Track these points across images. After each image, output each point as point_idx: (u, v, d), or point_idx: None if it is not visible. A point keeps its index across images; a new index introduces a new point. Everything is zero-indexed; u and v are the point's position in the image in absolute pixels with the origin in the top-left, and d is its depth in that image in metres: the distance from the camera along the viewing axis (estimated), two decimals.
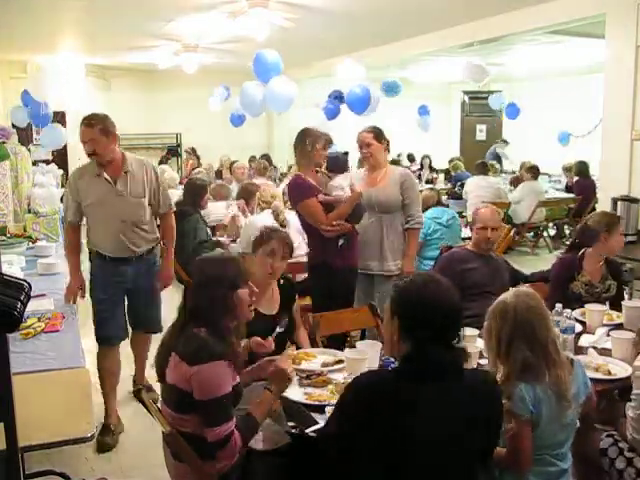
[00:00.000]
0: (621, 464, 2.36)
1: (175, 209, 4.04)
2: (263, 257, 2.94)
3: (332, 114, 7.88)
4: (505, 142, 12.08)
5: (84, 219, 3.63)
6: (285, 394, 2.42)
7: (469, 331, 2.89)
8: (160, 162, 11.55)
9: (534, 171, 8.96)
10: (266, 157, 10.34)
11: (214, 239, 5.93)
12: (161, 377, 2.22)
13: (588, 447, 2.46)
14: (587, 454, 2.46)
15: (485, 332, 2.21)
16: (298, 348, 2.91)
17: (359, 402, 1.80)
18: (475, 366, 2.58)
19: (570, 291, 3.45)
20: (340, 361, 2.71)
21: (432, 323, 1.80)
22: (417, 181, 4.70)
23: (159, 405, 2.26)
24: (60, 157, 9.74)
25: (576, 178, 9.33)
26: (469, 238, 6.17)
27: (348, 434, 1.82)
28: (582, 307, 3.28)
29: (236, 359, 2.18)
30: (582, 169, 9.15)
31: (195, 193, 5.91)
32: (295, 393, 2.45)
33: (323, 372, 2.59)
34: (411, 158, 12.76)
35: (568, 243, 4.12)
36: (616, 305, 3.36)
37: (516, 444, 2.04)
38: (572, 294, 3.43)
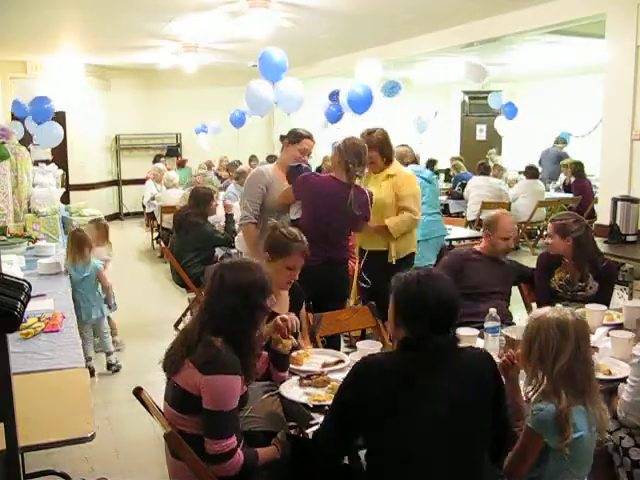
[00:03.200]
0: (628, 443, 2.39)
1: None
2: (283, 268, 2.84)
3: (334, 117, 7.86)
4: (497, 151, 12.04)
5: None
6: (285, 394, 2.43)
7: (469, 331, 2.89)
8: (154, 161, 11.50)
9: (532, 171, 8.98)
10: (273, 158, 10.30)
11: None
12: (169, 376, 2.21)
13: None
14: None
15: (536, 345, 2.05)
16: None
17: (358, 382, 1.93)
18: None
19: (548, 286, 3.54)
20: (340, 361, 2.71)
21: (426, 313, 1.92)
22: None
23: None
24: (60, 157, 9.75)
25: (573, 179, 9.34)
26: (472, 238, 6.23)
27: (347, 419, 1.94)
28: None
29: (249, 373, 2.20)
30: (578, 170, 9.16)
31: (202, 201, 5.88)
32: (295, 393, 2.45)
33: (323, 372, 2.59)
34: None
35: None
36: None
37: (521, 462, 2.02)
38: (548, 290, 3.54)
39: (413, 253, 4.19)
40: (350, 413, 1.93)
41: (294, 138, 4.03)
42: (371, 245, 4.13)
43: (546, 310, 2.10)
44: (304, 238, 2.93)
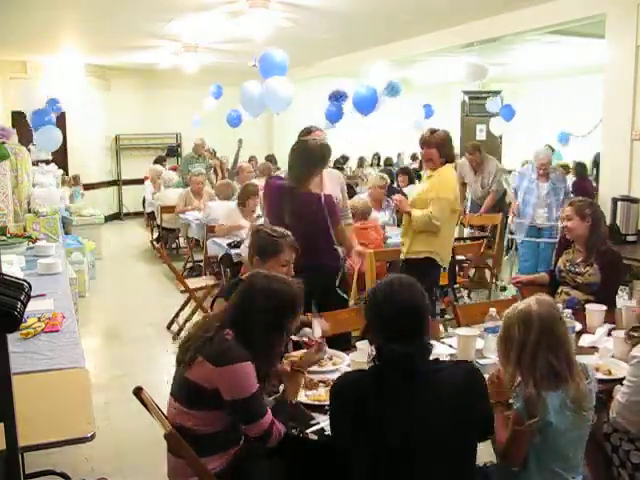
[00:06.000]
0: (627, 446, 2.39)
1: None
2: (276, 266, 2.86)
3: (335, 117, 7.84)
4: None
5: None
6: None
7: (469, 331, 2.90)
8: (155, 162, 11.48)
9: None
10: (270, 158, 10.27)
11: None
12: (182, 371, 2.21)
13: (597, 430, 2.47)
14: (596, 437, 2.47)
15: (505, 339, 2.13)
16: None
17: (338, 404, 1.95)
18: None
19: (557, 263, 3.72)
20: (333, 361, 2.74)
21: (384, 323, 1.93)
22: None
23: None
24: (60, 157, 9.75)
25: (574, 179, 9.34)
26: (470, 238, 6.23)
27: (340, 434, 1.96)
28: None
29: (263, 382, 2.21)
30: (580, 170, 9.17)
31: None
32: None
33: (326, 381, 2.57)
34: (414, 157, 12.90)
35: None
36: (600, 299, 3.31)
37: (517, 447, 2.04)
38: (557, 268, 3.69)
39: (430, 260, 4.23)
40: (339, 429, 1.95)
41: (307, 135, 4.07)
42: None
43: (514, 304, 2.17)
44: (289, 233, 2.99)
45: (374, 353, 1.94)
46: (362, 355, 2.64)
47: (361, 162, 12.73)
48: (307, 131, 4.19)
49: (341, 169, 9.33)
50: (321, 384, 2.50)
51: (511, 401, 2.14)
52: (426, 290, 2.01)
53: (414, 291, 1.96)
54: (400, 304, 1.92)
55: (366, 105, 6.98)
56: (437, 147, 4.25)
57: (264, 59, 5.96)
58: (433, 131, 4.33)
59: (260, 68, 5.99)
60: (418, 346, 1.90)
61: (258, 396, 2.13)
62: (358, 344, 2.83)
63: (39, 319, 3.05)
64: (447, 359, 2.59)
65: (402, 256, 4.39)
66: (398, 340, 1.88)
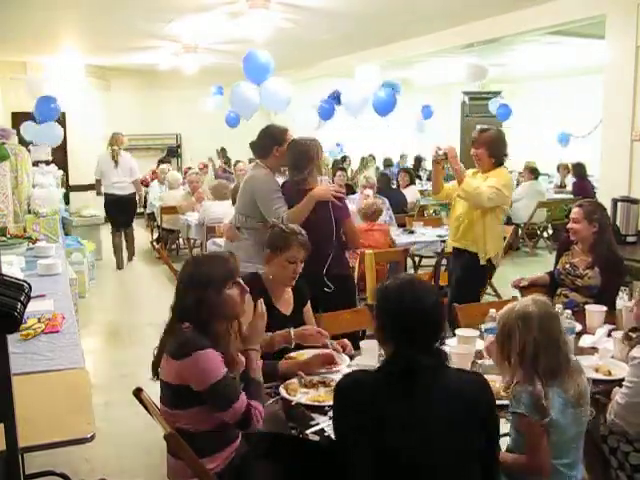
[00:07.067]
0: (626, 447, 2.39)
1: None
2: (284, 262, 2.87)
3: (327, 115, 7.88)
4: None
5: None
6: (284, 395, 2.43)
7: (469, 332, 2.90)
8: (161, 162, 11.49)
9: (535, 171, 9.00)
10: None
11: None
12: (156, 376, 2.23)
13: (595, 430, 2.47)
14: (593, 439, 2.48)
15: (504, 341, 2.11)
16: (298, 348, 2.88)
17: (342, 404, 1.91)
18: (469, 367, 2.58)
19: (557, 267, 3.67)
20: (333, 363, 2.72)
21: (405, 328, 1.85)
22: None
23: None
24: (60, 157, 9.74)
25: (574, 180, 9.36)
26: None
27: (343, 436, 1.92)
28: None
29: (226, 356, 2.18)
30: (580, 171, 9.18)
31: None
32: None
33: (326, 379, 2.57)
34: (419, 158, 12.94)
35: None
36: (600, 300, 3.31)
37: (537, 451, 2.03)
38: (556, 270, 3.66)
39: (470, 253, 4.13)
40: (342, 430, 1.92)
41: (284, 138, 3.88)
42: (462, 244, 4.20)
43: (510, 305, 2.16)
44: (303, 232, 2.96)
45: (383, 354, 1.94)
46: (364, 358, 2.64)
47: (364, 163, 12.74)
48: (283, 133, 3.92)
49: (343, 169, 9.34)
50: (321, 385, 2.50)
51: (507, 403, 2.14)
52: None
53: (426, 294, 1.90)
54: (411, 307, 1.85)
55: (385, 106, 7.05)
56: (485, 146, 4.12)
57: (248, 60, 5.96)
58: (483, 130, 4.20)
59: (244, 69, 5.99)
60: (428, 351, 1.86)
61: (226, 380, 2.09)
62: (362, 343, 2.82)
63: (39, 320, 3.04)
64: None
65: (483, 261, 4.13)
66: (408, 344, 1.84)
